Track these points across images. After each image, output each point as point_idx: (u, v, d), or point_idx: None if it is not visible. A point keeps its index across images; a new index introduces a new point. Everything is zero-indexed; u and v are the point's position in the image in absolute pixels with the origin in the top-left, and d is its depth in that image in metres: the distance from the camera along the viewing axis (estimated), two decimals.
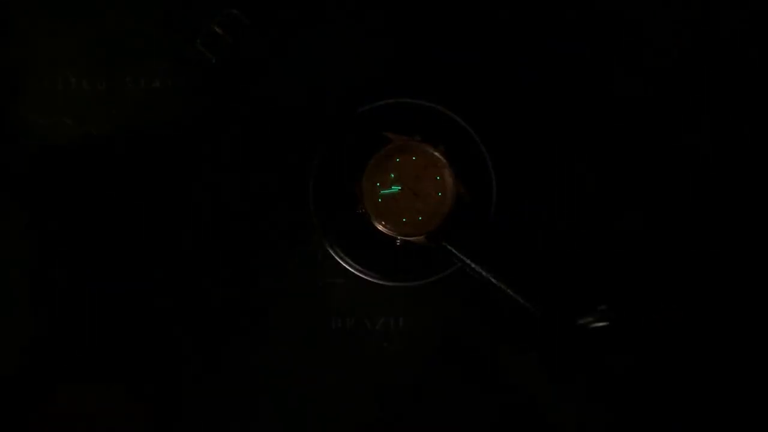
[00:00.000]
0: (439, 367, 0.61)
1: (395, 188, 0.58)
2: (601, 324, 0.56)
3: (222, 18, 0.60)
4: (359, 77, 0.62)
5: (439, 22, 0.62)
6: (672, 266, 0.61)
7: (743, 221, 0.61)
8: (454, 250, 0.57)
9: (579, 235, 0.61)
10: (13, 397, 0.60)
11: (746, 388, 0.60)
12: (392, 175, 0.58)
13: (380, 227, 0.58)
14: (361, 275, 0.59)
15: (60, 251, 0.61)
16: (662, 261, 0.61)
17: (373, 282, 0.59)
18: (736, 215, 0.61)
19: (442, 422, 0.61)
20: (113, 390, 0.61)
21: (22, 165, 0.61)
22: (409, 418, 0.61)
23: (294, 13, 0.62)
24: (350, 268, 0.60)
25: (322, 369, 0.61)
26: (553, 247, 0.61)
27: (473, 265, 0.57)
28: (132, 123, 0.61)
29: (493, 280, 0.57)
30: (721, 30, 0.61)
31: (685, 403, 0.60)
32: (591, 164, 0.61)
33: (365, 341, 0.61)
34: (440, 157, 0.57)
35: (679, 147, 0.61)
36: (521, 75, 0.61)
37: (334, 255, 0.60)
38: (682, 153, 0.61)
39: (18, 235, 0.61)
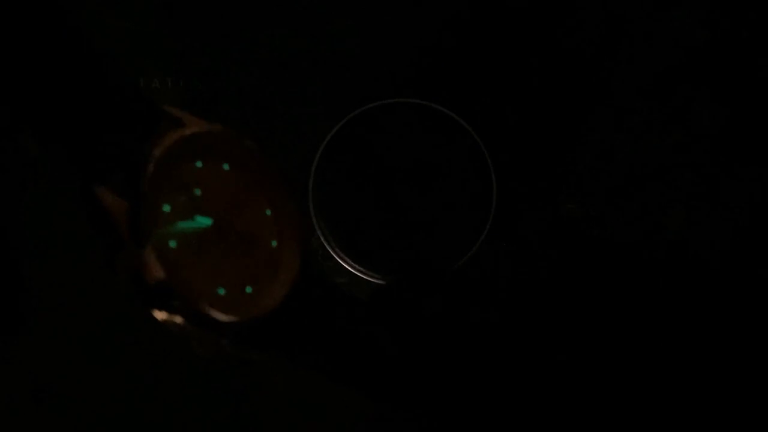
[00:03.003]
0: (439, 367, 0.61)
1: (204, 220, 0.29)
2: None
3: None
4: (358, 77, 0.62)
5: (438, 21, 0.62)
6: (674, 266, 0.61)
7: (742, 218, 0.61)
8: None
9: (579, 236, 0.61)
10: None
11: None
12: (198, 192, 0.29)
13: (158, 315, 0.28)
14: (361, 275, 0.59)
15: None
16: (662, 262, 0.61)
17: (373, 282, 0.59)
18: (735, 213, 0.61)
19: (440, 422, 0.61)
20: None
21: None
22: (408, 417, 0.61)
23: (292, 13, 0.62)
24: (350, 268, 0.59)
25: (323, 368, 0.61)
26: (553, 248, 0.61)
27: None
28: None
29: None
30: (722, 32, 0.61)
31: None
32: (592, 164, 0.61)
33: (365, 341, 0.61)
34: (267, 166, 0.31)
35: (680, 147, 0.61)
36: (522, 75, 0.61)
37: (334, 255, 0.60)
38: (682, 154, 0.61)
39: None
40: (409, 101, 0.60)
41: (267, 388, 0.61)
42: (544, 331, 0.60)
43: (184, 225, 0.27)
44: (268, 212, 0.31)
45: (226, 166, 0.29)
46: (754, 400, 0.60)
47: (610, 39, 0.61)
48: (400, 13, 0.62)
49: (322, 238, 0.59)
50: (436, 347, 0.62)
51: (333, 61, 0.62)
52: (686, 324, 0.60)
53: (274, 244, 0.31)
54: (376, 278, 0.59)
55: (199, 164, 0.29)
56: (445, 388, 0.61)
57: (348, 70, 0.62)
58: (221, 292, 0.29)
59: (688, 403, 0.60)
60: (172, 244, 0.27)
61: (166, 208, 0.28)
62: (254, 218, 0.30)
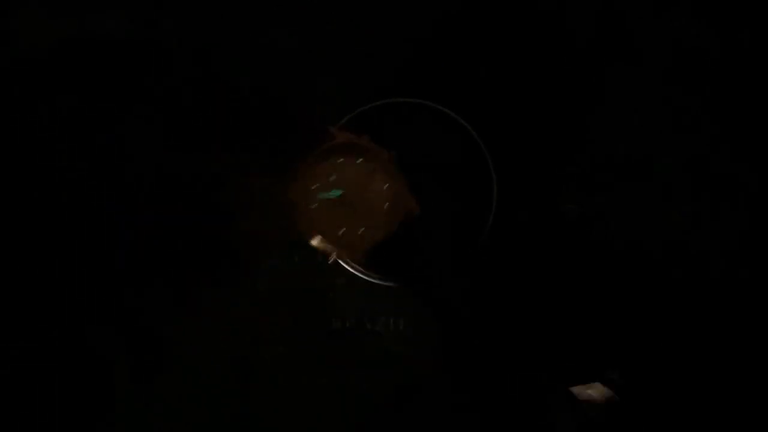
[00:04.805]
0: (438, 367, 0.61)
1: (336, 192, 0.50)
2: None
3: None
4: (359, 76, 0.62)
5: (439, 21, 0.62)
6: (673, 266, 0.61)
7: (742, 218, 0.61)
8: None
9: (578, 235, 0.61)
10: None
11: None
12: (332, 177, 0.50)
13: (313, 241, 0.52)
14: (361, 275, 0.60)
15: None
16: (661, 261, 0.61)
17: (373, 282, 0.59)
18: (735, 213, 0.61)
19: (439, 422, 0.61)
20: None
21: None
22: (407, 418, 0.61)
23: (292, 14, 0.62)
24: (351, 269, 0.60)
25: (322, 369, 0.61)
26: (553, 247, 0.61)
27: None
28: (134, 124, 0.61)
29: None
30: (722, 32, 0.61)
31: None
32: (591, 164, 0.61)
33: (365, 341, 0.61)
34: (390, 163, 0.52)
35: (679, 147, 0.61)
36: (523, 75, 0.61)
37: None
38: (681, 153, 0.61)
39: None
40: (409, 101, 0.60)
41: (267, 387, 0.61)
42: (543, 329, 0.60)
43: (323, 195, 0.49)
44: (386, 187, 0.51)
45: (359, 160, 0.50)
46: (754, 398, 0.60)
47: (610, 39, 0.61)
48: (400, 13, 0.62)
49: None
50: (435, 345, 0.62)
51: (333, 61, 0.62)
52: (685, 322, 0.60)
53: (386, 205, 0.51)
54: (375, 278, 0.59)
55: (340, 160, 0.50)
56: (443, 387, 0.62)
57: (348, 69, 0.62)
58: (341, 232, 0.50)
59: (686, 401, 0.61)
60: (315, 205, 0.49)
61: (315, 186, 0.49)
62: (376, 190, 0.51)
